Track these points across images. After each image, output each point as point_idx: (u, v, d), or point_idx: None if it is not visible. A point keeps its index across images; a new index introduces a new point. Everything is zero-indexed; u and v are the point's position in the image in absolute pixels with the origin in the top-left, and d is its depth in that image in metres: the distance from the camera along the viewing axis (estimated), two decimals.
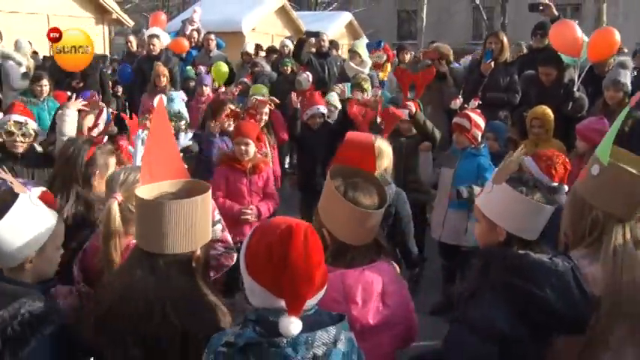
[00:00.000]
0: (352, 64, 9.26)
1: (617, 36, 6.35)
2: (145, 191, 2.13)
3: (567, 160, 4.21)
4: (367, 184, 2.52)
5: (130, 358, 2.05)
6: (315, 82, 8.99)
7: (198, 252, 2.15)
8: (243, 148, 4.99)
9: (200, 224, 2.11)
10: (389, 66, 10.32)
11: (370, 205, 2.46)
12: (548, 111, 5.79)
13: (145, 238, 2.09)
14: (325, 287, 1.90)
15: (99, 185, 3.27)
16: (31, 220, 2.22)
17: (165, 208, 2.03)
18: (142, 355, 2.03)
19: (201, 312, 2.06)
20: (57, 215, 2.35)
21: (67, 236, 2.59)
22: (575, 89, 6.28)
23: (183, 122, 6.52)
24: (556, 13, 7.11)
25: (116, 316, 2.05)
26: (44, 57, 10.47)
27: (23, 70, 9.15)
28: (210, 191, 2.17)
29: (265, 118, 6.36)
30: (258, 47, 12.37)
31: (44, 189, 2.86)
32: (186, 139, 4.19)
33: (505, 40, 7.20)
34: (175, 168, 2.30)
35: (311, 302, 1.85)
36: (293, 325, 1.71)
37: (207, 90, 8.53)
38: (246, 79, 9.91)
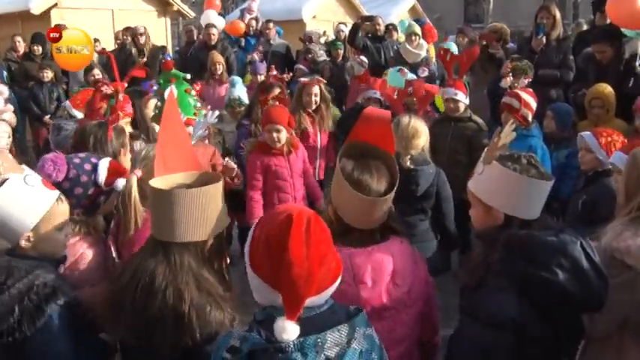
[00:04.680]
0: (409, 46, 9.09)
1: None
2: (160, 182, 2.16)
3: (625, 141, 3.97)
4: (379, 165, 2.40)
5: (123, 344, 2.11)
6: (371, 67, 8.88)
7: (211, 241, 2.16)
8: (274, 135, 4.83)
9: (213, 214, 2.12)
10: (432, 48, 10.10)
11: (378, 190, 2.34)
12: (609, 89, 5.45)
13: (159, 226, 2.13)
14: (339, 279, 1.79)
15: (125, 163, 3.34)
16: (22, 200, 2.24)
17: (178, 196, 2.06)
18: (134, 342, 2.07)
19: (201, 305, 2.04)
20: (57, 196, 2.36)
21: None
22: (637, 64, 5.90)
23: (242, 109, 6.48)
24: None
25: (118, 302, 2.08)
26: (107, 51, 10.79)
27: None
28: (221, 181, 2.18)
29: (316, 99, 5.99)
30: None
31: (110, 159, 2.97)
32: (212, 117, 4.13)
33: (557, 14, 6.80)
34: (189, 160, 2.32)
35: (321, 298, 1.74)
36: (287, 331, 1.59)
37: (261, 79, 8.51)
38: (302, 66, 9.91)
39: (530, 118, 5.09)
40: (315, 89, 6.00)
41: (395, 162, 2.48)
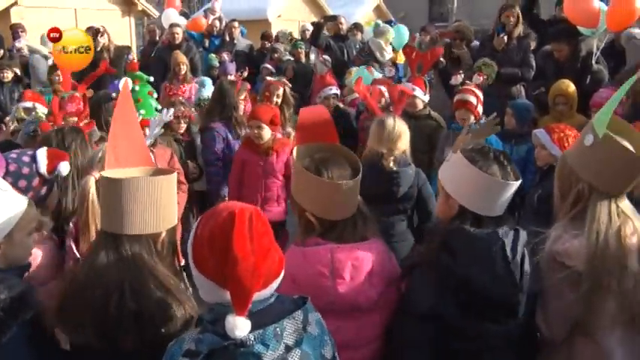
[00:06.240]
0: (382, 43, 9.09)
1: (638, 3, 6.04)
2: (110, 174, 2.08)
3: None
4: (336, 156, 2.44)
5: (88, 347, 2.00)
6: (334, 66, 8.93)
7: (163, 235, 2.10)
8: (255, 131, 4.99)
9: (164, 206, 2.05)
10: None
11: (344, 176, 2.36)
12: (572, 86, 5.58)
13: (108, 217, 2.05)
14: (282, 273, 1.80)
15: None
16: None
17: (128, 185, 1.98)
18: (100, 344, 1.98)
19: (157, 298, 1.99)
20: (27, 200, 2.28)
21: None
22: (593, 61, 6.06)
23: None
24: None
25: (77, 303, 2.01)
26: None
27: (50, 63, 9.28)
28: (175, 174, 2.13)
29: (277, 100, 6.05)
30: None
31: (47, 148, 2.91)
32: (167, 115, 4.15)
33: (519, 13, 6.96)
34: (141, 154, 2.25)
35: (268, 291, 1.75)
36: (239, 327, 1.58)
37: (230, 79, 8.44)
38: (268, 65, 9.90)
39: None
40: (279, 90, 6.05)
41: (346, 149, 2.53)
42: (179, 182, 4.72)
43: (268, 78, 6.56)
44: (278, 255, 1.76)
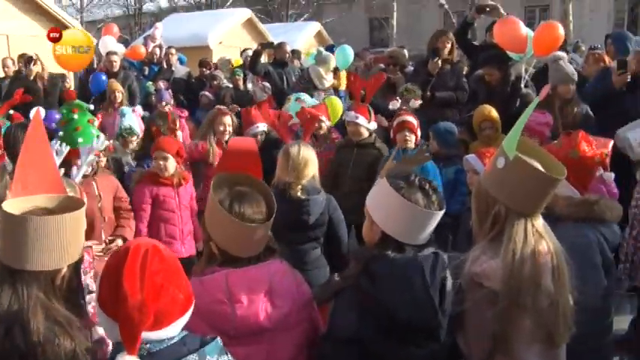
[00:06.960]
0: (322, 71, 9.09)
1: (561, 30, 6.34)
2: (16, 204, 2.01)
3: None
4: (254, 193, 2.41)
5: None
6: (273, 93, 8.92)
7: (64, 270, 2.03)
8: (161, 163, 4.89)
9: (69, 243, 1.99)
10: (343, 74, 10.19)
11: (258, 218, 2.35)
12: (494, 111, 5.71)
13: (8, 251, 1.97)
14: (190, 310, 1.77)
15: None
16: None
17: (31, 223, 1.91)
18: None
19: (47, 333, 1.91)
20: None
21: None
22: (522, 85, 6.28)
23: (134, 138, 6.38)
24: (504, 13, 7.06)
25: None
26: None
27: None
28: (83, 208, 2.06)
29: (230, 130, 6.05)
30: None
31: None
32: (99, 142, 4.12)
33: (453, 39, 7.18)
34: (51, 181, 2.18)
35: (170, 330, 1.71)
36: None
37: (166, 107, 8.32)
38: (207, 93, 9.82)
39: None
40: (228, 119, 6.03)
41: (267, 187, 2.51)
42: (126, 210, 4.72)
43: (218, 107, 6.51)
44: (183, 293, 1.73)
